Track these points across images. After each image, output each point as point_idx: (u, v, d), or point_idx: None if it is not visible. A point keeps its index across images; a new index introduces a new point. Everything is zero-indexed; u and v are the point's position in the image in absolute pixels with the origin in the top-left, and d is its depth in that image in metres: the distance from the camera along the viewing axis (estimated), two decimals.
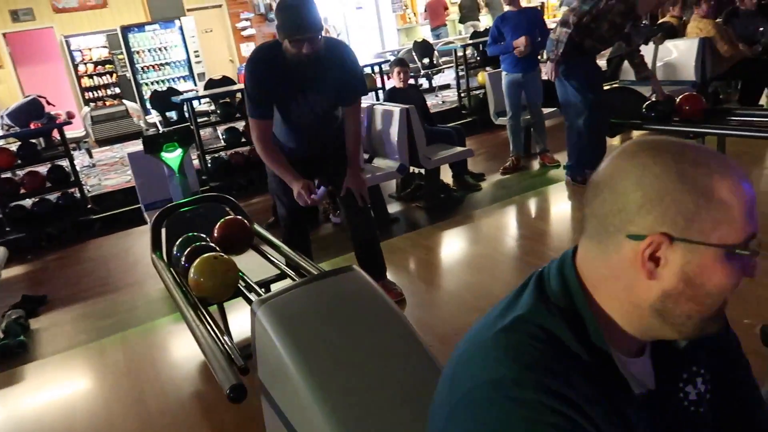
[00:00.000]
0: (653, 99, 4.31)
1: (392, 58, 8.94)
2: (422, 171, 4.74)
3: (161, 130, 7.43)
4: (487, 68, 7.39)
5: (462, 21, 12.82)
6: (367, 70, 7.09)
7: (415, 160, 4.37)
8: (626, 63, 5.72)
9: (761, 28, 5.92)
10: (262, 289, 2.73)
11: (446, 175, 4.92)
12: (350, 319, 1.56)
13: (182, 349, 3.01)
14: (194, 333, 2.27)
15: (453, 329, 2.65)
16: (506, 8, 5.05)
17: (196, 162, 5.72)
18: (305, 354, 1.43)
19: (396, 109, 4.19)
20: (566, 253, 0.82)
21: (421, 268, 3.61)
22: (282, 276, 2.77)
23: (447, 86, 9.38)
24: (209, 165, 5.97)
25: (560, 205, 4.38)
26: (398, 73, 4.75)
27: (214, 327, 2.31)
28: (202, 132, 6.18)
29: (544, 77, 4.67)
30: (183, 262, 2.65)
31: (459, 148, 4.73)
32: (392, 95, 4.73)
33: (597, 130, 4.31)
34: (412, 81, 5.01)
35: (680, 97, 4.24)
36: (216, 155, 6.07)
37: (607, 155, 0.79)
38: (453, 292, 3.14)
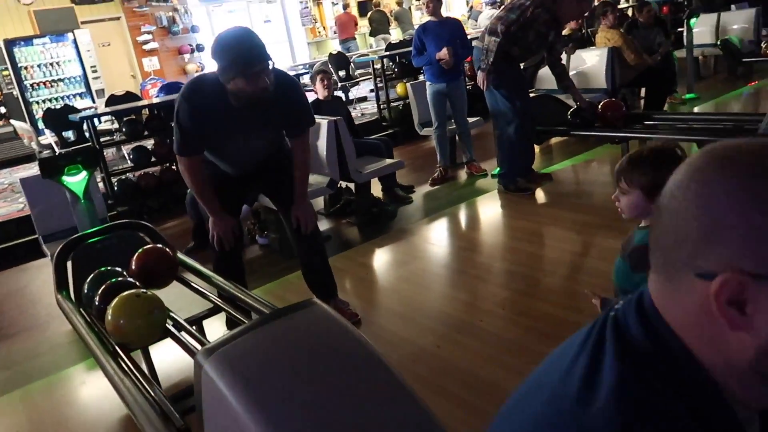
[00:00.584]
0: (578, 106, 4.37)
1: (306, 71, 8.73)
2: (351, 186, 4.55)
3: (58, 151, 6.77)
4: (405, 79, 7.36)
5: (372, 34, 12.83)
6: None
7: (345, 175, 4.17)
8: (541, 72, 5.86)
9: (658, 40, 6.27)
10: (194, 327, 2.42)
11: (375, 189, 4.76)
12: (320, 366, 1.33)
13: (100, 403, 2.60)
14: (116, 386, 1.94)
15: (407, 352, 2.48)
16: (427, 18, 4.99)
17: (100, 185, 5.21)
18: (271, 414, 1.19)
19: (323, 121, 3.98)
20: (641, 293, 0.64)
21: (362, 287, 3.39)
22: (216, 310, 2.47)
23: (364, 98, 9.27)
24: (115, 188, 5.47)
25: (493, 214, 4.33)
26: (322, 82, 4.54)
27: (139, 377, 1.98)
28: (105, 152, 5.68)
29: (468, 86, 4.63)
30: (98, 303, 2.29)
31: (389, 160, 4.59)
32: (317, 107, 4.51)
33: (527, 138, 4.31)
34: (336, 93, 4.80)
35: (601, 104, 4.33)
36: (123, 177, 5.58)
37: (676, 171, 0.61)
38: (399, 312, 2.95)
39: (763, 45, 7.24)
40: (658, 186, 1.67)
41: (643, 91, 6.60)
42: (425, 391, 2.09)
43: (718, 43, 7.36)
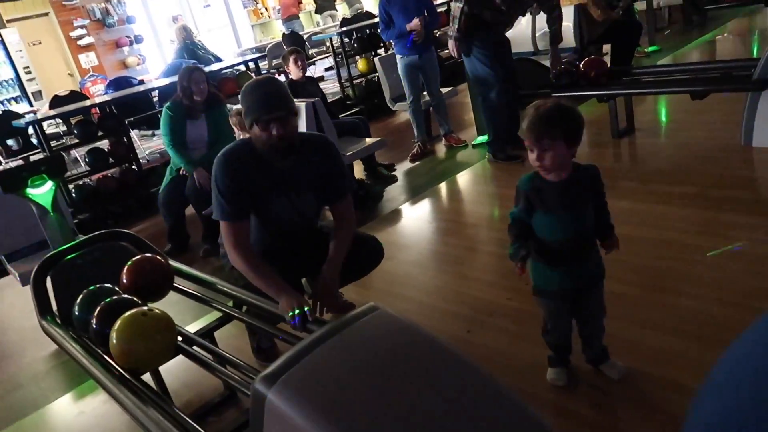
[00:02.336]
0: (561, 67, 4.24)
1: (255, 56, 8.35)
2: None
3: (3, 162, 6.27)
4: (365, 54, 7.11)
5: (318, 11, 12.42)
6: (242, 67, 6.47)
7: None
8: (509, 34, 5.71)
9: None
10: (206, 340, 2.20)
11: (356, 171, 4.55)
12: (401, 376, 1.16)
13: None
14: (132, 413, 1.71)
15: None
16: None
17: None
18: None
19: (302, 104, 3.73)
20: None
21: (371, 277, 3.20)
22: (226, 318, 2.24)
23: (321, 78, 8.96)
24: (73, 195, 5.07)
25: (486, 185, 4.20)
26: (296, 63, 4.27)
27: (156, 399, 1.76)
28: None
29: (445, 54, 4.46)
30: (96, 326, 2.03)
31: (369, 140, 4.39)
32: (293, 90, 4.22)
33: (511, 103, 4.17)
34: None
35: (583, 62, 4.22)
36: (80, 183, 5.18)
37: None
38: (418, 299, 2.77)
39: None
40: (576, 133, 1.70)
41: (605, 47, 6.57)
42: None
43: None
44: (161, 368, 2.11)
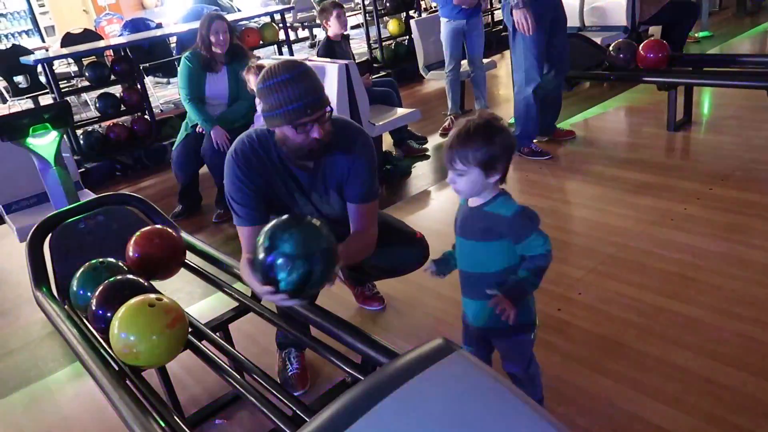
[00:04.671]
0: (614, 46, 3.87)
1: (280, 7, 7.92)
2: None
3: (9, 100, 5.97)
4: (396, 15, 6.70)
5: None
6: (266, 19, 6.07)
7: None
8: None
9: None
10: (218, 333, 1.94)
11: (384, 142, 4.24)
12: None
13: (101, 425, 2.11)
14: (123, 417, 1.45)
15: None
16: None
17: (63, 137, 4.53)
18: None
19: (333, 66, 3.40)
20: None
21: None
22: (244, 310, 1.98)
23: (348, 37, 8.52)
24: (81, 142, 4.78)
25: (514, 171, 3.88)
26: (338, 17, 3.93)
27: (155, 402, 1.51)
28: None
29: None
30: (95, 308, 1.77)
31: (401, 110, 4.06)
32: (330, 49, 3.91)
33: (556, 90, 3.78)
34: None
35: (643, 44, 3.86)
36: (89, 129, 4.89)
37: None
38: (456, 299, 2.51)
39: None
40: (493, 159, 1.44)
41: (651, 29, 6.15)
42: None
43: None
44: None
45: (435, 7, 5.56)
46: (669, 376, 1.83)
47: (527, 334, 1.60)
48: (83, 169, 4.57)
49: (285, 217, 1.53)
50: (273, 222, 1.52)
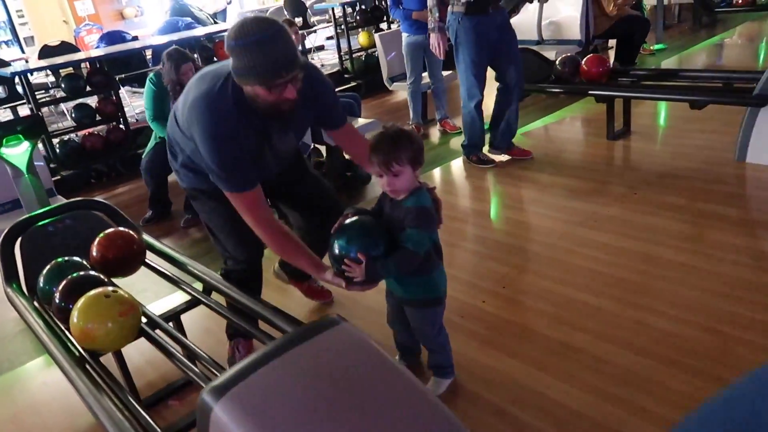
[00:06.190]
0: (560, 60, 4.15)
1: None
2: (320, 147, 4.27)
3: None
4: (366, 28, 6.96)
5: None
6: None
7: (318, 136, 3.88)
8: (514, 20, 5.57)
9: None
10: (170, 323, 2.16)
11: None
12: (358, 402, 1.12)
13: (68, 410, 2.30)
14: (84, 397, 1.67)
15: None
16: None
17: (39, 146, 4.71)
18: None
19: None
20: None
21: None
22: (194, 302, 2.20)
23: (321, 47, 8.80)
24: (57, 151, 4.97)
25: (473, 177, 4.12)
26: (294, 35, 4.15)
27: (112, 385, 1.73)
28: (42, 110, 5.13)
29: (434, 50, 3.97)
30: (59, 301, 1.99)
31: (362, 120, 4.29)
32: None
33: (508, 104, 3.92)
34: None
35: (585, 59, 4.14)
36: (65, 138, 5.08)
37: None
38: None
39: None
40: (417, 155, 1.75)
41: (611, 42, 6.47)
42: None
43: None
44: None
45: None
46: (567, 357, 2.09)
47: (433, 308, 1.92)
48: (59, 177, 4.77)
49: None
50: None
